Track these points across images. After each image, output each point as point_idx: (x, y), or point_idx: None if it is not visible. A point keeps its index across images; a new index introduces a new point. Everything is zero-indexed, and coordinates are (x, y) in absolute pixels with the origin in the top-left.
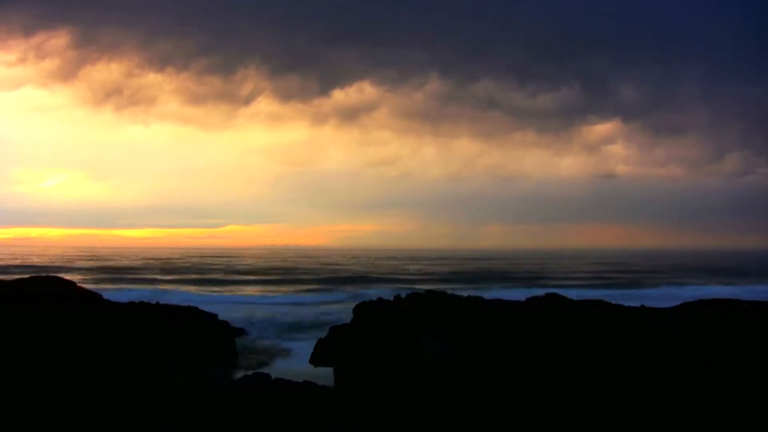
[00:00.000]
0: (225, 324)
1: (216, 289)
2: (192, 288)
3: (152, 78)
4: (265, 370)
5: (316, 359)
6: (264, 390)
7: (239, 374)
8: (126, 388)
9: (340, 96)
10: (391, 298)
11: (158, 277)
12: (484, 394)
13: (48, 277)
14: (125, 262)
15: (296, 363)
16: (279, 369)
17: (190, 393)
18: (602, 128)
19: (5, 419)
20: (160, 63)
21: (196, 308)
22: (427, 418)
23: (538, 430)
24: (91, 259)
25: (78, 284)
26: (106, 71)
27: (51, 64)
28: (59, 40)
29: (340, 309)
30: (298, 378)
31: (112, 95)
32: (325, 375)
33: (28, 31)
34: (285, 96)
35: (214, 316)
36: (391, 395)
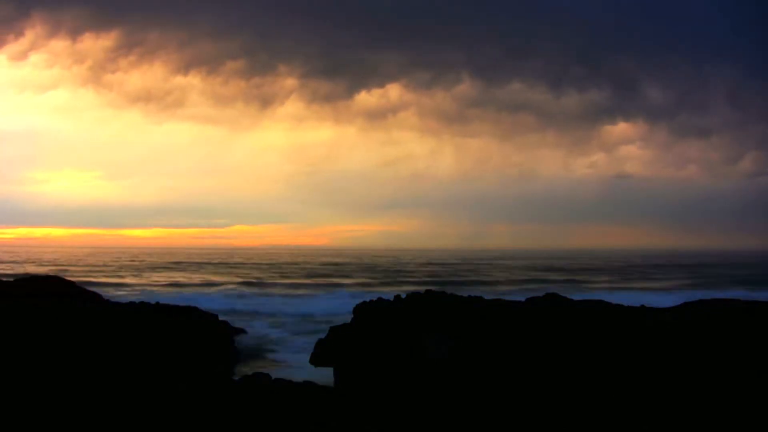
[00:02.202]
0: (225, 324)
1: (215, 288)
2: (191, 287)
3: (183, 80)
4: (265, 370)
5: (316, 359)
6: (264, 390)
7: (239, 374)
8: (125, 388)
9: (369, 98)
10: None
11: (158, 276)
12: (485, 394)
13: (48, 277)
14: (123, 262)
15: (296, 363)
16: (279, 369)
17: (190, 393)
18: (623, 129)
19: (5, 420)
20: (194, 65)
21: (195, 308)
22: (427, 418)
23: (539, 430)
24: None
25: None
26: (138, 74)
27: (86, 66)
28: (105, 41)
29: (341, 309)
30: (298, 378)
31: (142, 98)
32: (325, 375)
33: (75, 33)
34: (315, 98)
35: (215, 315)
36: (391, 395)
